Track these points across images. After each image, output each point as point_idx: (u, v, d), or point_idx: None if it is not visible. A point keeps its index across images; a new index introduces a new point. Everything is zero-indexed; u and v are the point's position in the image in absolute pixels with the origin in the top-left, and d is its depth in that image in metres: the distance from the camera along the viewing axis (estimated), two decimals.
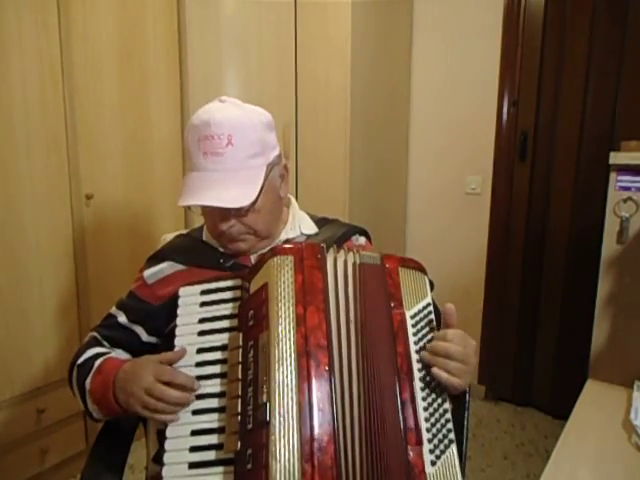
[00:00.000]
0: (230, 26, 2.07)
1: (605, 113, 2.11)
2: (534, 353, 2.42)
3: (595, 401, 1.21)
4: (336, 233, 1.03)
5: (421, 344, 0.79)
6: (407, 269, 0.85)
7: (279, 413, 0.67)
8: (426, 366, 0.77)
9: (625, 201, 1.25)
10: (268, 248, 0.96)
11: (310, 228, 1.05)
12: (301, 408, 0.68)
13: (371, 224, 2.35)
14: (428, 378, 0.77)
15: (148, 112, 1.96)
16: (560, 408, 2.19)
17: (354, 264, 0.81)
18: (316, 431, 0.67)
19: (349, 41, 2.08)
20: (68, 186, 1.75)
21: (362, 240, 1.07)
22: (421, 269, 0.87)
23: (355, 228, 1.08)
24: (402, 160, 2.64)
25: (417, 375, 0.76)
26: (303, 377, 0.70)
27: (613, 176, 1.26)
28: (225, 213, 0.90)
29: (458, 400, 0.84)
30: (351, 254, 0.83)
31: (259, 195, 0.89)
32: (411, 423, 0.72)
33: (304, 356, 0.71)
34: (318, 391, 0.69)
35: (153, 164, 2.01)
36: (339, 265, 0.81)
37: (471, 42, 2.42)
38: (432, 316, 0.83)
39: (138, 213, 1.98)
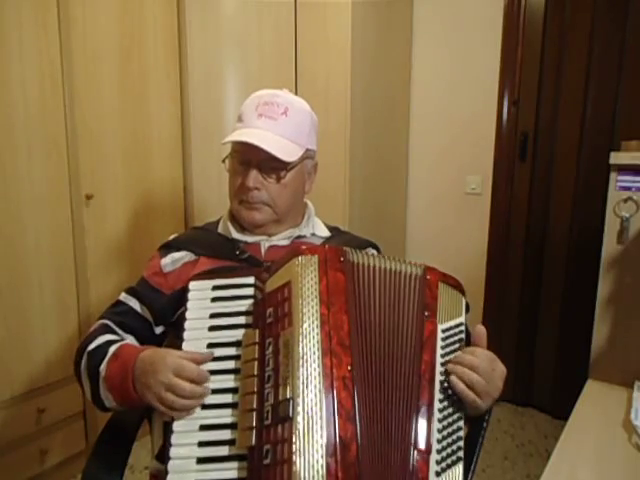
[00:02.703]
0: (230, 26, 2.07)
1: (605, 113, 2.11)
2: (534, 353, 2.42)
3: (595, 401, 1.21)
4: (350, 242, 1.04)
5: (447, 358, 0.79)
6: (447, 285, 0.85)
7: (303, 409, 0.68)
8: (448, 380, 0.77)
9: (625, 201, 1.25)
10: (277, 238, 1.01)
11: (323, 231, 1.08)
12: (325, 405, 0.68)
13: (371, 224, 2.37)
14: (449, 392, 0.77)
15: (148, 112, 1.96)
16: (560, 408, 2.19)
17: (389, 270, 0.82)
18: (339, 428, 0.67)
19: (349, 41, 2.07)
20: (68, 186, 1.74)
21: (374, 253, 1.08)
22: (460, 289, 0.88)
23: (368, 242, 1.11)
24: (402, 160, 2.64)
25: (438, 387, 0.76)
26: (327, 375, 0.70)
27: (613, 176, 1.26)
28: (257, 171, 0.95)
29: (475, 424, 0.84)
30: (389, 261, 0.83)
31: (292, 169, 0.97)
32: (424, 429, 0.72)
33: (328, 354, 0.71)
34: (342, 390, 0.70)
35: (153, 164, 2.01)
36: (363, 268, 0.81)
37: (471, 42, 2.42)
38: (463, 336, 0.83)
39: (138, 213, 1.98)
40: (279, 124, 0.95)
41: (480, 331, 0.81)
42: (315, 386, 0.69)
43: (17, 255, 1.63)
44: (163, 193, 2.05)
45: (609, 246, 1.29)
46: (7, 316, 1.63)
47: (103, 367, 0.85)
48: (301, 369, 0.70)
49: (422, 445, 0.71)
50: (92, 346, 0.90)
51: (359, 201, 2.25)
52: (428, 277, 0.84)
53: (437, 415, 0.74)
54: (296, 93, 2.27)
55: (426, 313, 0.80)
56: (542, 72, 2.24)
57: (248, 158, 0.95)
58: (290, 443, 0.66)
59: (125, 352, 0.85)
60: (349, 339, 0.73)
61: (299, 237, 1.03)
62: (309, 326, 0.73)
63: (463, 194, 2.53)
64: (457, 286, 0.88)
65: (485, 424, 0.91)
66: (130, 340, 0.96)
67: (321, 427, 0.67)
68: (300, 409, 0.68)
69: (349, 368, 0.71)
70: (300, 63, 2.24)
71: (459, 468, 0.73)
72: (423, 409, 0.73)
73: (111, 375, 0.84)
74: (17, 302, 1.65)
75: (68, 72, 1.70)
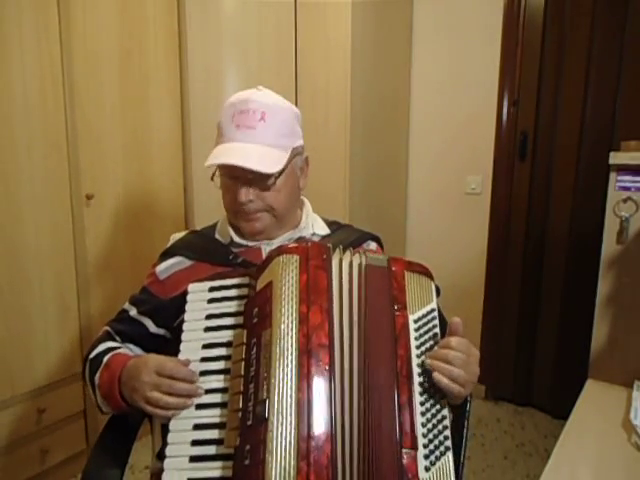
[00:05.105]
0: (230, 26, 2.06)
1: (605, 113, 2.11)
2: (534, 353, 2.42)
3: (595, 401, 1.21)
4: (349, 237, 1.04)
5: (423, 349, 0.79)
6: (413, 273, 0.84)
7: (277, 410, 0.68)
8: (427, 371, 0.76)
9: (625, 201, 1.25)
10: (278, 241, 0.99)
11: (322, 229, 1.07)
12: (299, 406, 0.68)
13: (371, 224, 2.37)
14: (427, 384, 0.76)
15: (148, 112, 1.96)
16: (560, 408, 2.19)
17: (359, 265, 0.81)
18: (313, 429, 0.67)
19: (349, 41, 2.08)
20: (68, 186, 1.74)
21: (373, 245, 1.08)
22: (427, 274, 0.87)
23: (367, 234, 1.09)
24: (402, 160, 2.64)
25: (417, 379, 0.76)
26: (303, 375, 0.70)
27: (613, 176, 1.27)
28: (247, 185, 0.93)
29: (458, 409, 0.84)
30: (357, 255, 0.83)
31: (281, 173, 0.93)
32: (407, 427, 0.71)
33: (305, 354, 0.71)
34: (317, 390, 0.69)
35: (153, 164, 2.01)
36: (344, 266, 0.81)
37: (471, 42, 2.42)
38: (436, 322, 0.83)
39: (138, 213, 1.98)
40: (258, 133, 0.91)
41: (456, 323, 0.80)
42: (290, 387, 0.69)
43: (17, 255, 1.63)
44: (163, 193, 2.05)
45: (609, 246, 1.29)
46: (7, 316, 1.63)
47: (97, 376, 0.90)
48: (277, 370, 0.70)
49: (408, 443, 0.70)
50: (92, 354, 0.95)
51: (359, 201, 2.25)
52: (393, 268, 0.83)
53: (419, 409, 0.74)
54: (296, 93, 2.27)
55: (395, 306, 0.79)
56: (542, 72, 2.24)
57: (235, 175, 0.93)
58: (265, 444, 0.66)
59: (115, 361, 0.89)
60: (328, 338, 0.73)
61: (300, 239, 1.02)
62: (287, 326, 0.73)
63: (463, 194, 2.53)
64: (424, 272, 0.86)
65: (468, 406, 0.92)
66: (130, 347, 0.99)
67: (294, 428, 0.66)
68: (275, 410, 0.68)
69: (326, 367, 0.71)
70: (300, 63, 2.24)
71: (448, 457, 0.73)
72: (405, 406, 0.72)
73: (101, 384, 0.89)
74: (17, 302, 1.65)
75: (68, 72, 1.70)
